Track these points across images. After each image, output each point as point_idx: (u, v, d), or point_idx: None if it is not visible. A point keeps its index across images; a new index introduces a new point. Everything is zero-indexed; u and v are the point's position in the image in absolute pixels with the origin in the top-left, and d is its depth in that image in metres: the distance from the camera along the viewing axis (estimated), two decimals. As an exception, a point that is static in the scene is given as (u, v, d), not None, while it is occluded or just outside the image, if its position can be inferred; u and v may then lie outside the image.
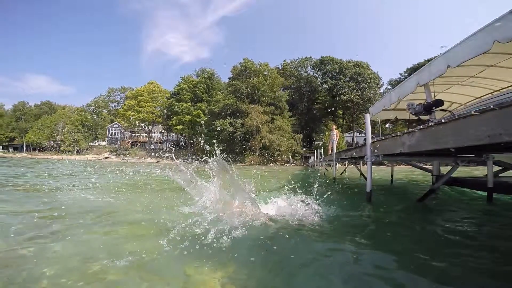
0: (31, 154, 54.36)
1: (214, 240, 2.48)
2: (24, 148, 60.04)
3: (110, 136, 62.76)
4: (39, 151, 58.01)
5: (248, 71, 44.77)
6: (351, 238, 2.82)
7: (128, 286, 1.77)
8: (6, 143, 64.28)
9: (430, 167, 6.54)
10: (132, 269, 1.97)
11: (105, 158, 50.25)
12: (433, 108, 4.02)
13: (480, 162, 4.96)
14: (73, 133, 56.67)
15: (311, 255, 2.33)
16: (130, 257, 2.13)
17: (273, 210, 3.81)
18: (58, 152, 55.77)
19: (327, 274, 2.00)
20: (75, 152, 55.52)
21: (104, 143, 62.36)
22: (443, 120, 2.80)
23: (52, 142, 57.50)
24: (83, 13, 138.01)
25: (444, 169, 5.61)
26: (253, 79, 43.09)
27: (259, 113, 41.26)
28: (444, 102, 4.38)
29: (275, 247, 2.41)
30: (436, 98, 4.68)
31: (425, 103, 4.26)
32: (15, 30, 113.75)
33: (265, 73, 44.24)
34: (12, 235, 2.79)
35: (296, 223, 3.28)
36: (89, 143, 60.03)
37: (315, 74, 53.29)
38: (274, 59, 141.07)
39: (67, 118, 59.46)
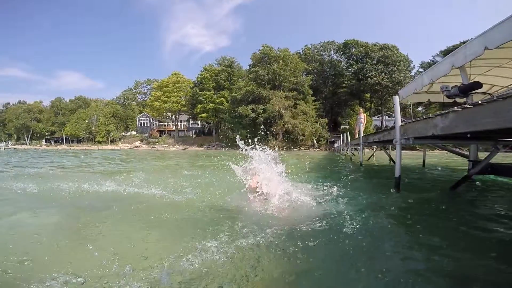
0: (70, 146, 58.89)
1: (242, 228, 2.49)
2: (64, 141, 64.97)
3: (139, 126, 65.91)
4: (77, 142, 62.61)
5: (267, 57, 44.07)
6: (373, 227, 2.72)
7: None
8: (48, 137, 69.96)
9: (467, 153, 6.14)
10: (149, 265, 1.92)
11: (136, 147, 53.08)
12: (470, 90, 3.75)
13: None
14: (106, 125, 60.31)
15: (328, 244, 2.26)
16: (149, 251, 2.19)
17: (290, 192, 3.67)
18: (94, 142, 59.89)
19: (345, 264, 1.95)
20: (109, 142, 59.19)
21: (134, 132, 65.79)
22: (480, 102, 2.63)
23: (88, 134, 61.71)
24: (102, 12, 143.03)
25: (484, 156, 5.17)
26: (274, 65, 42.36)
27: (281, 98, 40.79)
28: (483, 85, 4.04)
29: (291, 236, 2.36)
30: (474, 80, 4.34)
31: (461, 85, 3.97)
32: (42, 28, 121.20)
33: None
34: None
35: (315, 208, 3.23)
36: (121, 133, 63.72)
37: (339, 58, 51.08)
38: (294, 44, 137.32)
39: (99, 111, 63.14)
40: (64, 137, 65.15)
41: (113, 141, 59.71)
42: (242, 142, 4.02)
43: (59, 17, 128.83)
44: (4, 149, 46.98)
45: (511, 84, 6.39)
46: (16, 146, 59.44)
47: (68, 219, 3.16)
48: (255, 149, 3.98)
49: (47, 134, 70.07)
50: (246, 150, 3.94)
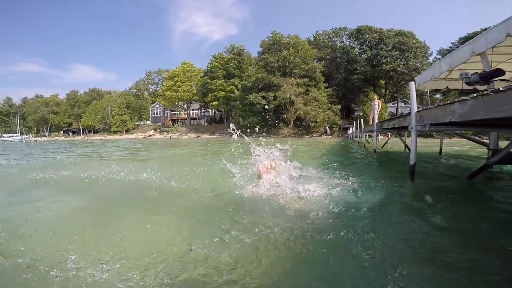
0: (87, 136, 60.75)
1: (250, 218, 2.55)
2: (81, 132, 67.06)
3: (153, 116, 67.05)
4: (94, 133, 64.53)
5: (277, 44, 43.28)
6: (386, 217, 2.70)
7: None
8: (66, 128, 72.33)
9: (487, 141, 5.92)
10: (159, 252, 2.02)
11: (150, 135, 54.17)
12: (492, 78, 3.58)
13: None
14: (120, 115, 61.70)
15: (341, 233, 2.21)
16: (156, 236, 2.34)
17: (302, 181, 3.65)
18: (110, 133, 61.58)
19: (360, 254, 1.91)
20: (124, 132, 60.71)
21: (148, 122, 67.08)
22: (501, 88, 2.54)
23: (103, 124, 63.45)
24: (111, 4, 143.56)
25: (505, 144, 4.90)
26: (284, 52, 41.56)
27: (292, 85, 40.23)
28: (506, 73, 3.84)
29: (302, 225, 2.35)
30: (495, 67, 4.13)
31: (482, 72, 3.80)
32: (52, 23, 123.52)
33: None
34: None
35: (330, 198, 3.19)
36: (135, 123, 65.15)
37: (351, 44, 49.28)
38: (304, 31, 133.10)
39: (113, 102, 64.45)
40: (80, 128, 67.21)
41: (127, 131, 61.18)
42: (238, 131, 4.04)
43: (70, 11, 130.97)
44: (26, 141, 49.07)
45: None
46: (37, 138, 61.88)
47: (87, 205, 3.36)
48: (259, 138, 4.00)
49: (64, 126, 72.37)
50: (238, 134, 3.98)
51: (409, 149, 6.63)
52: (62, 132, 71.37)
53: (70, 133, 69.25)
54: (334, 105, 41.75)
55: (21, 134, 64.00)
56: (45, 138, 61.62)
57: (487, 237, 2.35)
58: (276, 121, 41.17)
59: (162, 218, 2.80)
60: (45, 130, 70.97)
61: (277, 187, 3.48)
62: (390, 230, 2.38)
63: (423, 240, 2.21)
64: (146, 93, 75.17)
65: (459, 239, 2.24)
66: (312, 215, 2.65)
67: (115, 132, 60.97)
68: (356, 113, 43.14)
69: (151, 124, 64.91)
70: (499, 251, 2.04)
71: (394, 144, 15.28)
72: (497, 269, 1.80)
